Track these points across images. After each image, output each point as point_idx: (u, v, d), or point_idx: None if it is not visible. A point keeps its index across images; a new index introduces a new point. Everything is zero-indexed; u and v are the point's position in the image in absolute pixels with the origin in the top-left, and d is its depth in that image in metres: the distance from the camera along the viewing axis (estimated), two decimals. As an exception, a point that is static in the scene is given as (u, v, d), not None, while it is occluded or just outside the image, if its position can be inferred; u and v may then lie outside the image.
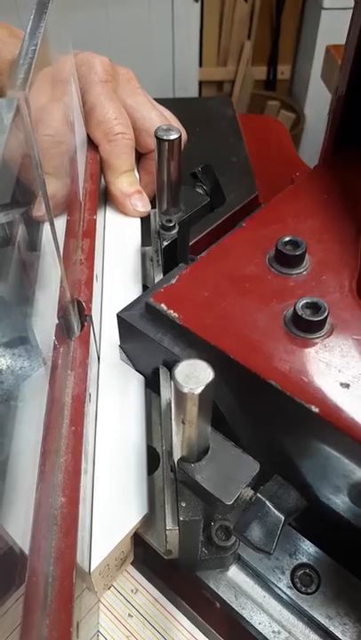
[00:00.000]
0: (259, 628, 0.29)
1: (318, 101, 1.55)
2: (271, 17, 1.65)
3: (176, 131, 0.33)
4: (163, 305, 0.29)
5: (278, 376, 0.25)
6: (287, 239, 0.31)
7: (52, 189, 0.37)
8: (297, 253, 0.30)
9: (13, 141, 0.24)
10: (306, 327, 0.27)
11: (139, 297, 0.32)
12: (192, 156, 0.52)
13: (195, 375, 0.20)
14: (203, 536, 0.28)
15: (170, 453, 0.26)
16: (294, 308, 0.27)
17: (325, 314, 0.26)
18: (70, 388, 0.28)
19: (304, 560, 0.30)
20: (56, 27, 0.32)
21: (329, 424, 0.24)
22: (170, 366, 0.30)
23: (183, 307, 0.29)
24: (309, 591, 0.29)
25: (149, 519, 0.29)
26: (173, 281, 0.30)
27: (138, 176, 0.47)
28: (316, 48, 1.50)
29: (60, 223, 0.37)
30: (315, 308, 0.27)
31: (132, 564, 0.32)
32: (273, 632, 0.29)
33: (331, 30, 1.45)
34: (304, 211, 0.35)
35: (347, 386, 0.25)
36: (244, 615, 0.29)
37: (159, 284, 0.31)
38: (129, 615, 0.30)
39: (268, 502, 0.25)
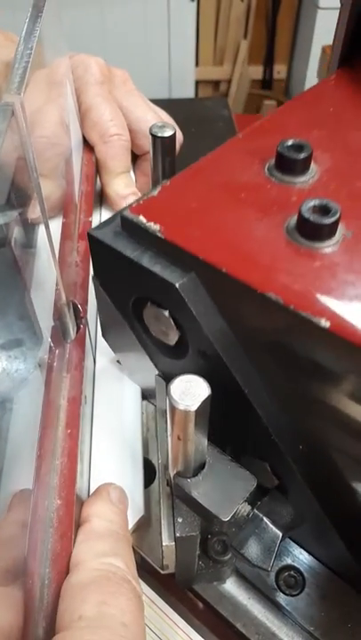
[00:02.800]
0: (243, 630, 0.29)
1: (314, 101, 1.55)
2: (267, 16, 1.66)
3: (171, 128, 0.33)
4: (141, 217, 0.24)
5: (279, 288, 0.21)
6: (290, 142, 0.26)
7: (47, 191, 0.37)
8: (301, 157, 0.26)
9: (9, 144, 0.24)
10: (313, 233, 0.22)
11: (114, 214, 0.26)
12: (188, 157, 0.52)
13: (190, 392, 0.19)
14: (199, 549, 0.28)
15: (166, 467, 0.26)
16: (300, 212, 0.22)
17: (337, 216, 0.22)
18: (66, 390, 0.28)
19: (289, 562, 0.30)
20: (51, 28, 0.32)
21: (342, 340, 0.20)
22: (153, 301, 0.25)
23: (166, 219, 0.24)
24: (294, 593, 0.29)
25: (145, 532, 0.29)
26: (155, 193, 0.26)
27: (134, 177, 0.47)
28: (312, 48, 1.50)
29: (56, 225, 0.37)
30: (325, 210, 0.22)
31: (129, 565, 0.32)
32: (257, 634, 0.29)
33: (327, 30, 1.45)
34: (309, 121, 0.30)
35: None
36: (229, 618, 0.29)
37: (138, 198, 0.26)
38: (125, 616, 0.30)
39: (265, 518, 0.24)
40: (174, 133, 0.34)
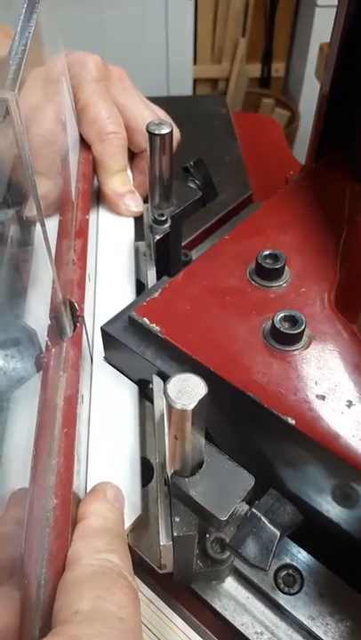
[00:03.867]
0: (241, 629, 0.29)
1: (313, 99, 1.54)
2: (265, 14, 1.65)
3: (168, 125, 0.33)
4: (145, 319, 0.30)
5: (256, 388, 0.26)
6: (267, 253, 0.31)
7: (43, 189, 0.37)
8: (277, 267, 0.31)
9: (4, 141, 0.24)
10: (283, 340, 0.27)
11: (122, 310, 0.32)
12: (185, 156, 0.52)
13: (187, 390, 0.19)
14: (197, 548, 0.28)
15: (164, 466, 0.26)
16: (272, 321, 0.27)
17: (303, 327, 0.27)
18: (62, 389, 0.28)
19: (287, 561, 0.30)
20: (47, 26, 0.32)
21: (305, 436, 0.24)
22: (160, 376, 0.30)
23: (165, 320, 0.29)
24: (292, 592, 0.29)
25: (143, 532, 0.29)
26: (156, 294, 0.31)
27: (131, 175, 0.47)
28: (310, 45, 1.50)
29: (53, 223, 0.36)
30: (292, 320, 0.27)
31: (126, 564, 0.32)
32: (256, 633, 0.29)
33: (325, 28, 1.44)
34: (285, 223, 0.36)
35: (323, 398, 0.26)
36: (227, 616, 0.29)
37: (142, 297, 0.31)
38: (123, 616, 0.30)
39: (263, 518, 0.24)
40: (171, 131, 0.34)
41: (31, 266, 0.35)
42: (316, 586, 0.29)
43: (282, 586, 0.29)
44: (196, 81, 1.70)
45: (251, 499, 0.25)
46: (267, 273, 0.31)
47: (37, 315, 0.32)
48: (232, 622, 0.29)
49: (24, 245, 0.37)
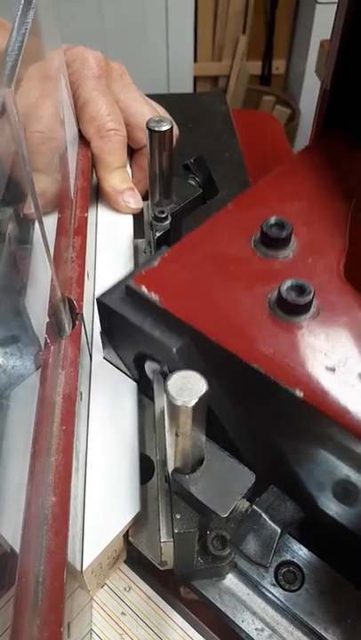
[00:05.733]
0: (242, 625, 0.29)
1: (313, 96, 1.54)
2: (266, 12, 1.65)
3: (168, 122, 0.33)
4: (143, 288, 0.27)
5: (262, 359, 0.24)
6: (273, 221, 0.29)
7: (42, 186, 0.37)
8: (283, 235, 0.29)
9: (2, 138, 0.23)
10: (291, 310, 0.26)
11: (119, 281, 0.30)
12: (185, 153, 0.51)
13: (188, 387, 0.19)
14: (198, 545, 0.28)
15: (164, 463, 0.26)
16: (279, 291, 0.26)
17: (311, 296, 0.25)
18: (61, 386, 0.28)
19: (288, 557, 0.30)
20: (46, 21, 0.31)
21: (314, 409, 0.23)
22: (153, 358, 0.29)
23: (164, 289, 0.28)
24: (293, 588, 0.29)
25: (143, 529, 0.29)
26: (155, 263, 0.29)
27: (130, 172, 0.46)
28: (310, 43, 1.50)
29: (51, 221, 0.36)
30: (300, 290, 0.26)
31: (125, 562, 0.32)
32: (256, 629, 0.29)
33: (325, 25, 1.44)
34: (291, 193, 0.34)
35: (332, 370, 0.24)
36: (228, 613, 0.29)
37: (140, 266, 0.29)
38: (122, 613, 0.30)
39: (264, 514, 0.24)
40: (171, 127, 0.34)
41: (30, 263, 0.35)
42: (317, 583, 0.29)
43: (283, 582, 0.29)
44: (196, 78, 1.70)
45: (251, 496, 0.24)
46: (272, 242, 0.29)
47: (36, 312, 0.32)
48: (233, 619, 0.29)
49: (23, 243, 0.37)
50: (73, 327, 0.31)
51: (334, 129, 0.39)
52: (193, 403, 0.19)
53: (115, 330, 0.31)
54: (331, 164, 0.36)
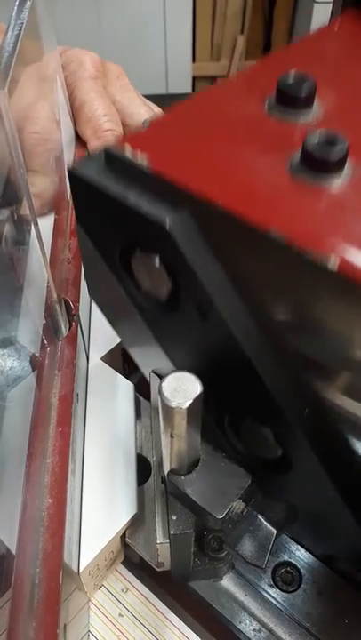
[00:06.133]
0: (240, 627, 0.29)
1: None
2: (264, 11, 1.65)
3: None
4: (128, 150, 0.22)
5: (282, 225, 0.18)
6: (292, 75, 0.24)
7: (38, 188, 0.37)
8: (304, 93, 0.24)
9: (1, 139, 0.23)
10: (320, 167, 0.20)
11: (97, 152, 0.24)
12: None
13: (182, 389, 0.19)
14: (195, 546, 0.28)
15: (160, 464, 0.26)
16: (304, 144, 0.20)
17: (345, 149, 0.20)
18: (57, 388, 0.28)
19: (285, 558, 0.30)
20: (42, 23, 0.31)
21: (351, 283, 0.17)
22: (144, 249, 0.22)
23: (155, 152, 0.22)
24: (290, 589, 0.29)
25: (140, 530, 0.29)
26: (143, 128, 0.23)
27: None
28: (309, 42, 1.49)
29: (48, 222, 0.36)
30: (332, 142, 0.20)
31: (123, 563, 0.32)
32: (254, 631, 0.29)
33: (323, 24, 1.44)
34: (312, 59, 0.28)
35: None
36: (225, 614, 0.29)
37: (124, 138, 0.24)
38: (120, 615, 0.30)
39: (259, 516, 0.24)
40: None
41: (26, 265, 0.35)
42: (314, 584, 0.29)
43: (280, 583, 0.29)
44: (194, 78, 1.70)
45: (247, 497, 0.24)
46: (292, 100, 0.24)
47: (33, 314, 0.32)
48: (230, 620, 0.29)
49: (19, 244, 0.37)
50: (69, 328, 0.31)
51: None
52: (188, 404, 0.19)
53: (92, 213, 0.24)
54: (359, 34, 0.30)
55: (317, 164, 0.20)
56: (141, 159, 0.21)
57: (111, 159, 0.22)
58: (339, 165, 0.20)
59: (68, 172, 0.23)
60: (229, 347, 0.22)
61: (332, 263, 0.17)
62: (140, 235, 0.22)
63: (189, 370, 0.22)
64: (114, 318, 0.29)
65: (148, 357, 0.29)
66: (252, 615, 0.29)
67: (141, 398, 0.34)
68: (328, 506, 0.24)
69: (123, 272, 0.25)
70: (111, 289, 0.26)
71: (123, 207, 0.21)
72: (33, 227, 0.26)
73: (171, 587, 0.31)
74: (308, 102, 0.24)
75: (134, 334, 0.28)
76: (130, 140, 0.22)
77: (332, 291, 0.18)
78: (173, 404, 0.19)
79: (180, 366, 0.25)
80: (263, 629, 0.29)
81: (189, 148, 0.22)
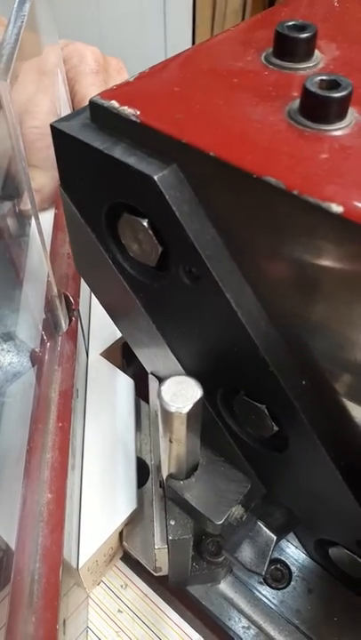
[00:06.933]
0: (229, 623, 0.28)
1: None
2: (264, 9, 1.65)
3: None
4: (114, 101, 0.20)
5: (281, 171, 0.17)
6: (291, 22, 0.22)
7: (39, 182, 0.37)
8: (304, 37, 0.22)
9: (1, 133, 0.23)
10: (321, 112, 0.19)
11: (82, 107, 0.22)
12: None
13: (182, 393, 0.19)
14: (193, 551, 0.28)
15: (159, 468, 0.25)
16: (304, 87, 0.19)
17: (349, 90, 0.18)
18: (57, 383, 0.28)
19: (276, 555, 0.29)
20: (44, 17, 0.31)
21: (356, 227, 0.16)
22: (131, 210, 0.21)
23: (144, 103, 0.20)
24: (280, 586, 0.29)
25: (138, 534, 0.29)
26: (131, 79, 0.22)
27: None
28: (309, 40, 1.49)
29: (49, 217, 0.36)
30: (334, 85, 0.19)
31: (122, 559, 0.32)
32: (243, 627, 0.28)
33: None
34: (310, 15, 0.27)
35: None
36: (214, 611, 0.29)
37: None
38: (119, 611, 0.30)
39: (259, 521, 0.24)
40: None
41: (27, 259, 0.35)
42: (304, 581, 0.29)
43: (270, 580, 0.29)
44: (194, 76, 1.70)
45: (247, 502, 0.24)
46: (291, 48, 0.22)
47: (33, 309, 0.32)
48: (219, 617, 0.29)
49: (21, 239, 0.37)
50: (69, 323, 0.31)
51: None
52: (187, 409, 0.19)
53: (76, 172, 0.23)
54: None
55: (319, 109, 0.19)
56: (129, 110, 0.20)
57: (97, 111, 0.21)
58: (341, 111, 0.19)
59: (51, 126, 0.21)
60: (222, 314, 0.20)
61: (337, 207, 0.16)
62: (126, 192, 0.21)
63: (182, 344, 0.21)
64: (103, 296, 0.27)
65: (139, 336, 0.27)
66: (241, 612, 0.29)
67: (140, 399, 0.34)
68: (327, 484, 0.23)
69: (109, 238, 0.23)
70: (98, 260, 0.25)
71: (108, 162, 0.20)
72: (34, 221, 0.26)
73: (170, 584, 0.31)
74: (308, 51, 0.22)
75: (123, 311, 0.26)
76: (118, 91, 0.21)
77: (335, 239, 0.17)
78: (173, 409, 0.19)
79: (170, 340, 0.23)
80: (252, 626, 0.28)
81: (181, 98, 0.21)
